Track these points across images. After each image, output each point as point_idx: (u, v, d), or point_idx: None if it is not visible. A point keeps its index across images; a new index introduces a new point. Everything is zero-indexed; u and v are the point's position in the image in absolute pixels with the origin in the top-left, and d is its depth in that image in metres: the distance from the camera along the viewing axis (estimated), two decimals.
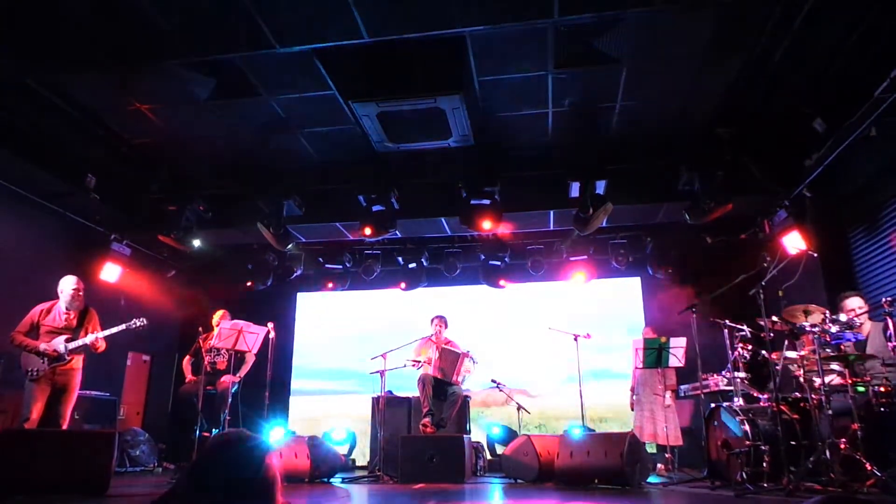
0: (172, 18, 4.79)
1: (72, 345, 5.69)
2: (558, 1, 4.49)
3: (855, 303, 5.15)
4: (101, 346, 5.85)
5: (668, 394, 6.89)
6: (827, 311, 5.01)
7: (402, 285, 9.44)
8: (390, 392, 7.81)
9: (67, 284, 5.81)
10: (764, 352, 5.30)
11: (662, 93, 6.08)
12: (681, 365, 6.40)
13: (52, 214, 7.25)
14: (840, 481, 4.18)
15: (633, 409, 7.31)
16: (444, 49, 5.27)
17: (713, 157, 6.73)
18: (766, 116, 6.36)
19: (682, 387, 7.17)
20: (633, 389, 7.38)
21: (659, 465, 6.68)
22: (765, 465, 4.77)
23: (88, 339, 5.77)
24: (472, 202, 7.21)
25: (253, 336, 6.90)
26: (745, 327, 5.95)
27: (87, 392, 6.77)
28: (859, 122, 5.30)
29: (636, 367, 6.84)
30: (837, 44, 5.15)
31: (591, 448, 5.53)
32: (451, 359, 7.02)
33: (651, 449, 6.99)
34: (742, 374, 5.84)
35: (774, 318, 5.28)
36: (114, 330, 5.87)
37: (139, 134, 6.84)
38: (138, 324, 6.00)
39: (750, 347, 5.87)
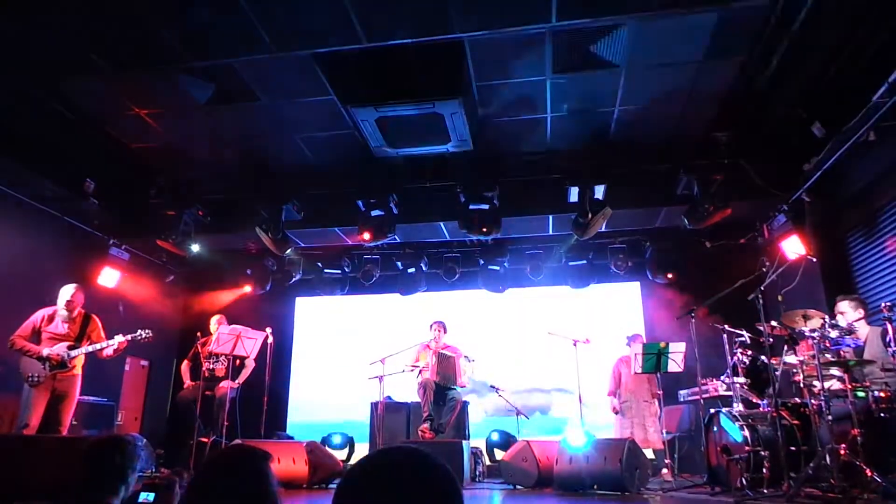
0: (172, 24, 4.80)
1: (74, 352, 5.66)
2: (556, 6, 4.50)
3: (843, 306, 5.16)
4: (109, 352, 5.85)
5: (656, 401, 6.90)
6: (826, 316, 5.01)
7: (401, 290, 9.43)
8: (389, 397, 7.80)
9: (62, 295, 5.76)
10: (763, 357, 5.29)
11: (661, 97, 6.08)
12: (680, 370, 6.39)
13: (50, 219, 7.24)
14: (840, 487, 4.16)
15: (615, 413, 7.34)
16: (442, 54, 5.28)
17: (712, 162, 6.75)
18: (764, 121, 6.37)
19: (682, 392, 7.16)
20: (612, 394, 7.40)
21: (664, 471, 6.63)
22: (765, 470, 4.76)
23: (96, 347, 5.75)
24: (471, 207, 7.22)
25: (251, 341, 6.90)
26: (744, 332, 5.95)
27: (86, 397, 6.74)
28: (857, 127, 5.31)
29: (618, 373, 6.91)
30: (835, 48, 5.16)
31: (590, 454, 5.51)
32: (448, 362, 7.02)
33: (649, 455, 6.97)
34: (741, 380, 5.83)
35: (774, 323, 5.28)
36: (118, 339, 5.84)
37: (138, 139, 6.84)
38: (144, 335, 5.97)
39: (749, 352, 5.86)
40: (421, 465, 1.17)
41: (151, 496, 2.45)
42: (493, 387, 8.11)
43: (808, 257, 6.21)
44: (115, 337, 5.86)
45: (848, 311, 5.10)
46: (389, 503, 1.10)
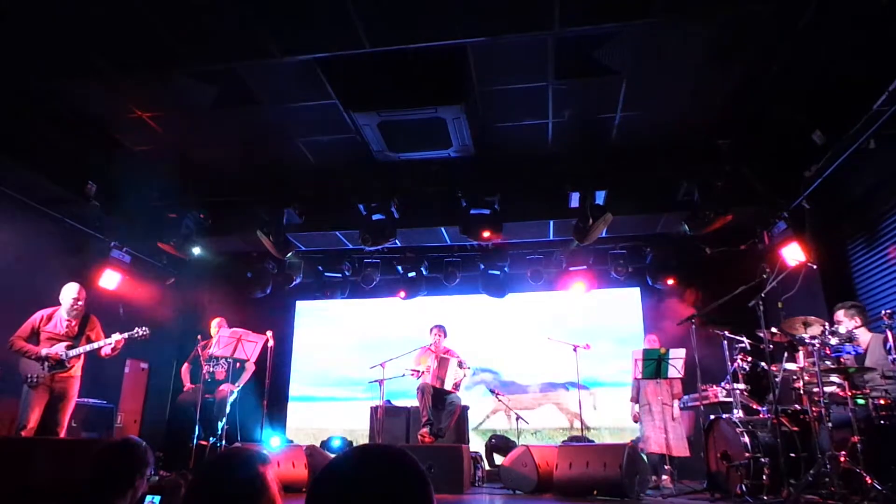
0: (175, 27, 4.81)
1: (73, 352, 5.67)
2: (558, 13, 4.52)
3: (838, 315, 5.17)
4: (107, 351, 5.86)
5: (676, 403, 6.84)
6: (826, 323, 5.02)
7: (402, 294, 9.44)
8: (388, 401, 7.79)
9: (68, 293, 5.79)
10: (763, 363, 5.30)
11: (662, 103, 6.10)
12: (680, 376, 6.38)
13: (52, 221, 7.24)
14: (840, 494, 4.16)
15: (636, 421, 7.24)
16: (445, 59, 5.30)
17: (713, 168, 6.75)
18: (765, 127, 6.39)
19: (682, 398, 7.15)
20: (634, 400, 7.31)
21: (665, 477, 6.59)
22: (765, 477, 4.76)
23: (93, 346, 5.76)
24: (472, 212, 7.23)
25: (252, 344, 6.91)
26: (744, 339, 5.95)
27: (85, 399, 6.74)
28: (858, 135, 5.33)
29: (636, 378, 6.80)
30: (836, 56, 5.18)
31: (590, 459, 5.51)
32: (444, 366, 7.03)
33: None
34: (741, 386, 5.83)
35: (774, 330, 5.29)
36: (116, 337, 5.85)
37: (140, 141, 6.85)
38: (141, 333, 5.98)
39: (749, 359, 5.86)
40: (391, 461, 1.18)
41: (157, 499, 2.46)
42: (492, 391, 8.11)
43: (809, 264, 6.22)
44: (113, 335, 5.87)
45: (844, 321, 5.10)
46: (358, 499, 1.12)
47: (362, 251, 8.99)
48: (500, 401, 8.02)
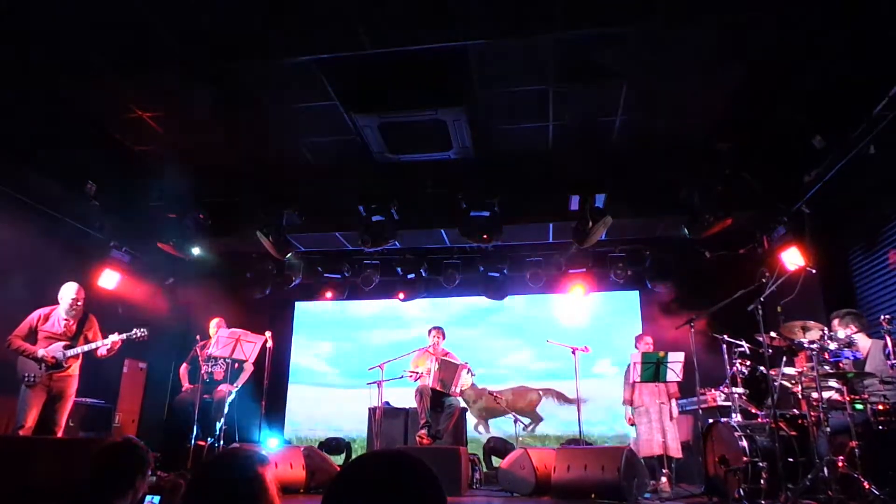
0: (175, 27, 4.82)
1: (70, 352, 5.66)
2: (559, 15, 4.52)
3: (833, 324, 5.17)
4: (104, 352, 5.85)
5: (673, 402, 6.83)
6: (825, 328, 5.02)
7: (401, 296, 9.44)
8: (387, 403, 7.78)
9: (67, 293, 5.77)
10: (762, 367, 5.29)
11: (662, 107, 6.11)
12: (679, 379, 6.37)
13: (51, 221, 7.23)
14: (838, 499, 4.16)
15: (631, 424, 7.22)
16: (446, 62, 5.30)
17: (713, 172, 6.76)
18: (765, 131, 6.39)
19: (681, 401, 7.15)
20: (629, 402, 7.28)
21: (663, 480, 6.56)
22: (762, 481, 4.75)
23: (91, 346, 5.75)
24: (472, 214, 7.22)
25: (251, 345, 6.90)
26: (743, 343, 5.94)
27: (83, 399, 6.73)
28: (858, 140, 5.33)
29: (633, 381, 6.79)
30: (837, 61, 5.18)
31: (588, 462, 5.51)
32: (450, 370, 7.00)
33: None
34: (740, 390, 5.82)
35: (773, 334, 5.28)
36: (113, 338, 5.85)
37: (140, 141, 6.86)
38: (139, 334, 5.98)
39: (748, 363, 5.85)
40: (406, 469, 1.19)
41: (157, 499, 2.47)
42: (491, 393, 8.10)
43: (808, 269, 6.21)
44: (110, 336, 5.87)
45: (839, 329, 5.10)
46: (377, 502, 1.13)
47: (362, 252, 8.98)
48: (498, 403, 8.01)
